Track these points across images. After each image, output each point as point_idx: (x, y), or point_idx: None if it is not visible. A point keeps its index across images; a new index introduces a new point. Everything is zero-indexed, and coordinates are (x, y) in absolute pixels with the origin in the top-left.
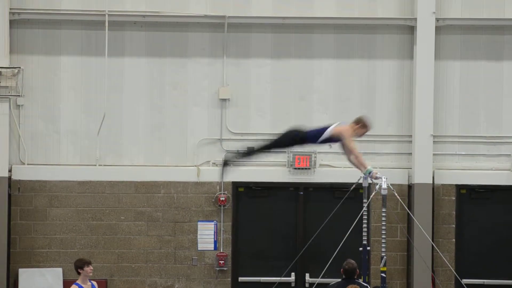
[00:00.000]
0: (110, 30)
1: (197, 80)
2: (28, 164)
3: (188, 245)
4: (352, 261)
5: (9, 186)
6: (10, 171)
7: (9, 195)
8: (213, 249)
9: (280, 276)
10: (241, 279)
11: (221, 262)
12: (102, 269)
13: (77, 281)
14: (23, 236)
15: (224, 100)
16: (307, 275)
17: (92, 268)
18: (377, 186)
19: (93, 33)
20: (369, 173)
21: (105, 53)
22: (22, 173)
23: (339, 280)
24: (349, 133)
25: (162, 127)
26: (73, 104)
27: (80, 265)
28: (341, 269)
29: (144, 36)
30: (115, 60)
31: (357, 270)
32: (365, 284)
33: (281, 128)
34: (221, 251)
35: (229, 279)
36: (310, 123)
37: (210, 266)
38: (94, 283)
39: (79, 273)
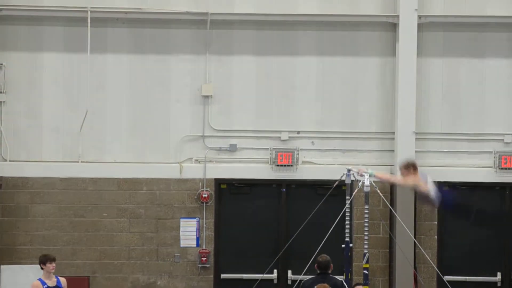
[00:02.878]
0: (92, 26)
1: (179, 77)
2: (10, 161)
3: (171, 242)
4: (325, 255)
5: None
6: None
7: None
8: (195, 246)
9: (263, 273)
10: (223, 276)
11: (204, 259)
12: (84, 266)
13: (41, 277)
14: (5, 233)
15: (206, 97)
16: (289, 271)
17: (54, 265)
18: (360, 183)
19: (75, 30)
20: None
21: (88, 50)
22: (4, 170)
23: (314, 276)
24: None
25: (144, 124)
26: (55, 100)
27: (43, 260)
28: (315, 264)
29: (126, 32)
30: (98, 57)
31: (331, 264)
32: (340, 280)
33: (264, 125)
34: (204, 248)
35: (212, 276)
36: (293, 120)
37: (192, 263)
38: (62, 279)
39: (42, 269)
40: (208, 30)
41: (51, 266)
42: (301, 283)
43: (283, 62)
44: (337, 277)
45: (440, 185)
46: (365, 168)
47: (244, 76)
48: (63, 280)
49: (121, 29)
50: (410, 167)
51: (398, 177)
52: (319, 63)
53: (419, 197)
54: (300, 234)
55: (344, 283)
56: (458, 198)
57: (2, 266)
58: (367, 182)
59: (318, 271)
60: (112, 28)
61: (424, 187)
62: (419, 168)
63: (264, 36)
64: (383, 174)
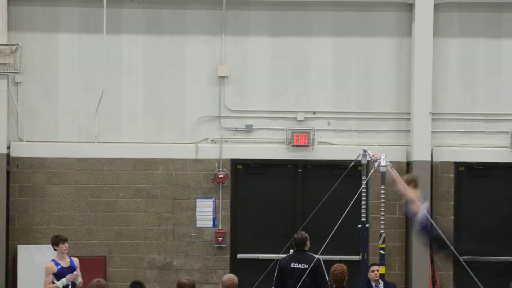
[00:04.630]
0: (108, 7)
1: (195, 58)
2: (26, 141)
3: (187, 222)
4: (303, 232)
5: (8, 163)
6: (8, 148)
7: (8, 172)
8: (211, 226)
9: (279, 253)
10: (239, 256)
11: (220, 239)
12: (100, 246)
13: (54, 258)
14: (22, 213)
15: (222, 77)
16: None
17: (67, 245)
18: (376, 164)
19: (91, 10)
20: None
21: (103, 31)
22: (20, 150)
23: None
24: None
25: (160, 105)
26: (71, 81)
27: (55, 241)
28: (291, 241)
29: (142, 13)
30: (113, 38)
31: (308, 242)
32: (316, 256)
33: (279, 105)
34: (220, 228)
35: (228, 256)
36: (308, 101)
37: (208, 243)
38: (75, 259)
39: (55, 250)
40: (223, 11)
41: (63, 246)
42: (278, 262)
43: (299, 42)
44: (352, 257)
45: (428, 222)
46: (380, 153)
47: (259, 57)
48: (76, 260)
49: (137, 9)
50: (412, 182)
51: (402, 182)
52: (335, 44)
53: (405, 211)
54: (316, 214)
55: (321, 260)
56: (436, 235)
57: (19, 246)
58: (383, 163)
59: (295, 248)
60: (128, 9)
61: (416, 208)
62: (419, 188)
63: (279, 16)
64: (393, 171)
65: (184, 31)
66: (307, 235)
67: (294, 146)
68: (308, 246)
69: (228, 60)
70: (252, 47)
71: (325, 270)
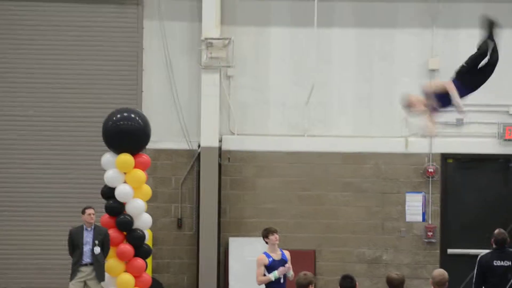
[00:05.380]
0: (319, 1)
1: (405, 51)
2: (237, 135)
3: (396, 216)
4: (503, 231)
5: (219, 156)
6: (220, 141)
7: (219, 165)
8: (421, 220)
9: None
10: (450, 251)
11: (430, 233)
12: (309, 240)
13: (266, 250)
14: (233, 205)
15: (433, 70)
16: None
17: (277, 236)
18: None
19: (302, 4)
20: None
21: (314, 24)
22: (231, 143)
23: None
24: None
25: (370, 98)
26: (282, 74)
27: (265, 234)
28: (492, 239)
29: (352, 7)
30: (324, 31)
31: (508, 239)
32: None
33: (492, 99)
34: (430, 222)
35: (438, 251)
36: None
37: (418, 237)
38: (286, 252)
39: (266, 242)
40: (435, 3)
41: (273, 238)
42: (478, 258)
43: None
44: None
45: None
46: None
47: (470, 49)
48: (287, 253)
49: (347, 3)
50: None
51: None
52: None
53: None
54: None
55: None
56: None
57: (230, 238)
58: None
59: (495, 246)
60: (338, 2)
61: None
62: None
63: (491, 8)
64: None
65: (394, 24)
66: (506, 233)
67: (505, 140)
68: (509, 242)
69: (438, 53)
70: (463, 39)
71: None
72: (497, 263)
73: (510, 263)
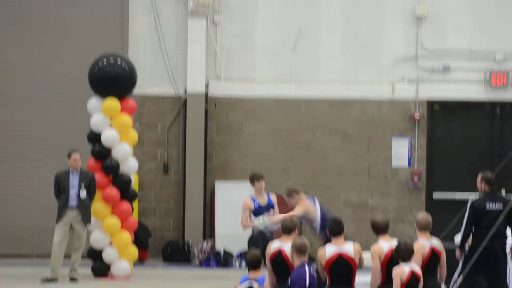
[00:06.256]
0: None
1: None
2: (224, 80)
3: (382, 161)
4: (490, 172)
5: (206, 102)
6: (207, 87)
7: (206, 111)
8: (407, 166)
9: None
10: (435, 196)
11: (416, 178)
12: (296, 185)
13: (252, 195)
14: (219, 150)
15: (420, 17)
16: (503, 190)
17: (262, 184)
18: None
19: None
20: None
21: None
22: (218, 89)
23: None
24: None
25: (356, 44)
26: (268, 20)
27: (251, 179)
28: (483, 182)
29: None
30: None
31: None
32: (508, 199)
33: (478, 45)
34: (416, 168)
35: (423, 195)
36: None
37: (404, 182)
38: (273, 196)
39: (253, 187)
40: None
41: (259, 185)
42: (470, 203)
43: None
44: None
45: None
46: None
47: None
48: (274, 198)
49: None
50: (292, 193)
51: (294, 211)
52: None
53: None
54: None
55: None
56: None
57: (216, 182)
58: None
59: (486, 188)
60: None
61: (313, 213)
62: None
63: None
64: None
65: None
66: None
67: (492, 87)
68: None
69: (426, 0)
70: None
71: None
72: (489, 207)
73: (502, 207)
